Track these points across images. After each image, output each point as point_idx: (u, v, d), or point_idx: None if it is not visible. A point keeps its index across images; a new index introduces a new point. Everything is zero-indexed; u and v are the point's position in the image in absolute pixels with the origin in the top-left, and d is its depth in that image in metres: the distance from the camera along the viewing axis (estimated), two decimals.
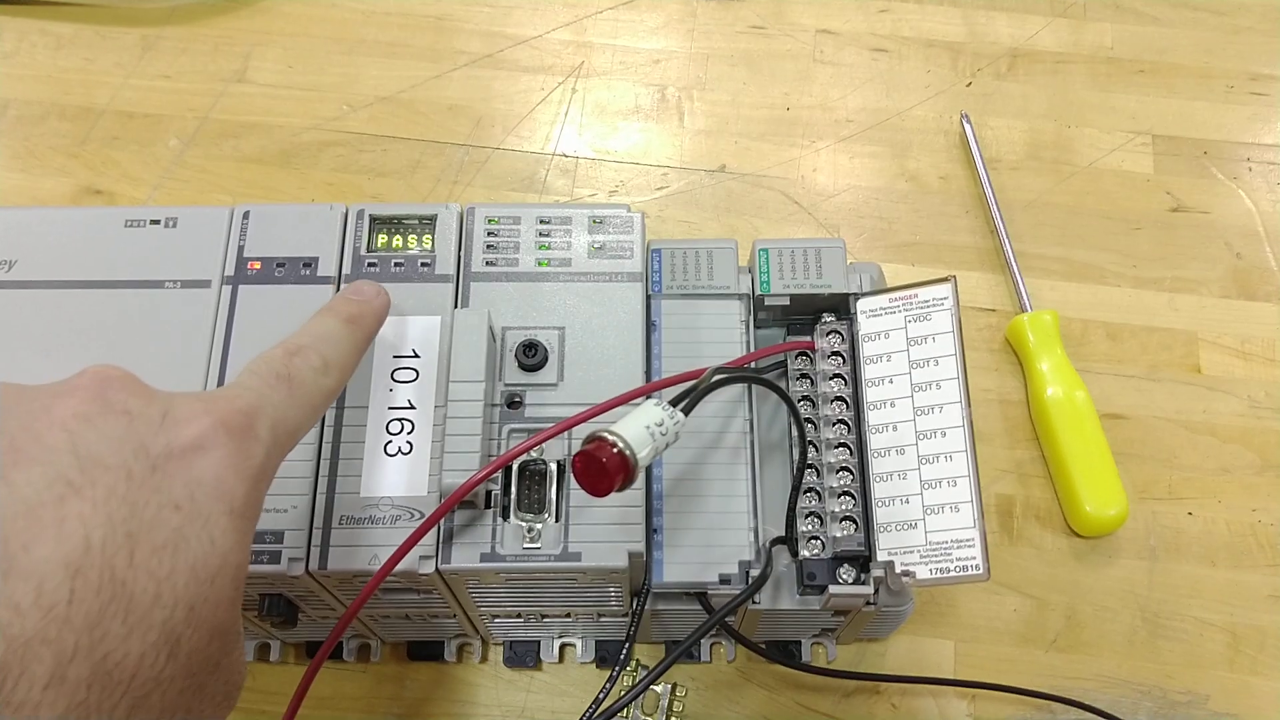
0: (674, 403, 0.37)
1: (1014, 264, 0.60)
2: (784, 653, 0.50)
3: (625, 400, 0.41)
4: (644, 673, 0.51)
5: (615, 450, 0.34)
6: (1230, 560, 0.54)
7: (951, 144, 0.66)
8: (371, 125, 0.66)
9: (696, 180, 0.65)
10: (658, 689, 0.51)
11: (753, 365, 0.46)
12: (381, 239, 0.46)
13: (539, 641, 0.51)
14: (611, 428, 0.35)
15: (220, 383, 0.43)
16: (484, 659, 0.52)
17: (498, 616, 0.47)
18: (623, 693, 0.42)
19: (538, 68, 0.68)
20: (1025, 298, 0.59)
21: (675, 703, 0.51)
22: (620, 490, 0.35)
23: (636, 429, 0.35)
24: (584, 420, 0.40)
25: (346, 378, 0.37)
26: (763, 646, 0.48)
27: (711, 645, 0.51)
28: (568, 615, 0.47)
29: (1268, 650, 0.52)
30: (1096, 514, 0.53)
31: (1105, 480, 0.54)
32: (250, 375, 0.33)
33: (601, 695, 0.45)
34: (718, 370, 0.40)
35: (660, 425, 0.36)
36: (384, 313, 0.41)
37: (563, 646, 0.51)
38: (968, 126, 0.65)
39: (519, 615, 0.47)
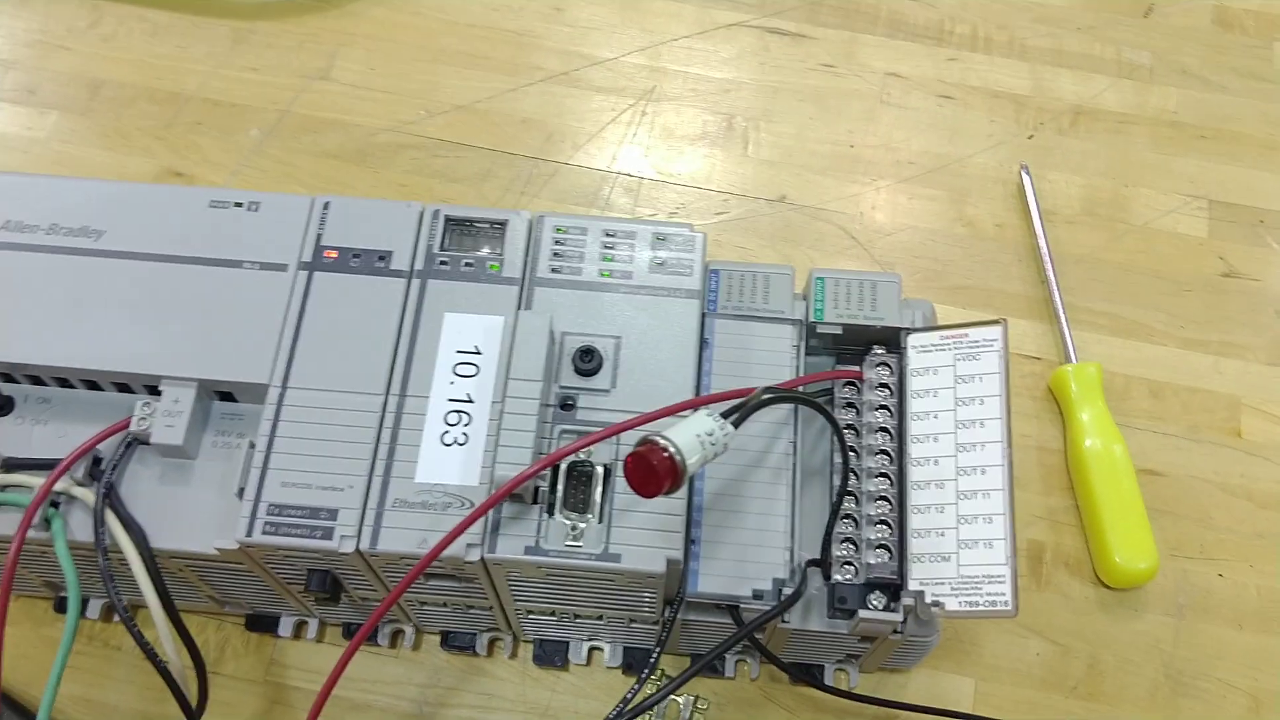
0: (724, 415, 0.39)
1: (1062, 315, 0.61)
2: (807, 674, 0.51)
3: (674, 411, 0.42)
4: (668, 683, 0.52)
5: (666, 455, 0.35)
6: (1258, 625, 0.55)
7: (1009, 193, 0.67)
8: (447, 132, 0.68)
9: (756, 208, 0.66)
10: (679, 700, 0.52)
11: (800, 389, 0.47)
12: (453, 239, 0.48)
13: (568, 643, 0.52)
14: (664, 433, 0.36)
15: (289, 363, 0.45)
16: (513, 655, 0.53)
17: (532, 612, 0.48)
18: (646, 698, 0.43)
19: (610, 88, 0.70)
20: (1071, 349, 0.60)
21: (696, 715, 0.52)
22: (667, 494, 0.36)
23: (688, 436, 0.36)
24: (633, 426, 0.41)
25: None
26: (787, 664, 0.49)
27: (736, 662, 0.52)
28: (599, 618, 0.48)
29: None
30: (1126, 566, 0.54)
31: (1137, 533, 0.54)
32: None
33: (626, 700, 0.46)
34: (768, 389, 0.41)
35: (710, 435, 0.37)
36: None
37: (591, 650, 0.52)
38: (1026, 178, 0.66)
39: (553, 613, 0.48)
